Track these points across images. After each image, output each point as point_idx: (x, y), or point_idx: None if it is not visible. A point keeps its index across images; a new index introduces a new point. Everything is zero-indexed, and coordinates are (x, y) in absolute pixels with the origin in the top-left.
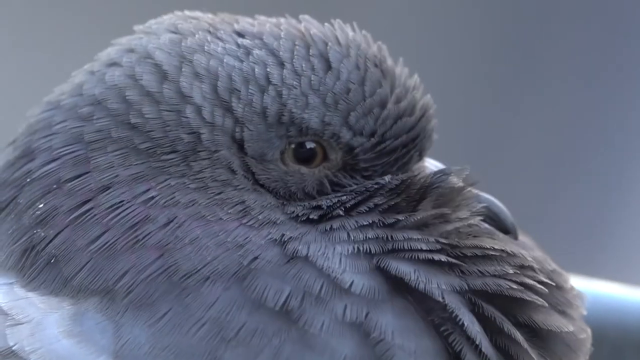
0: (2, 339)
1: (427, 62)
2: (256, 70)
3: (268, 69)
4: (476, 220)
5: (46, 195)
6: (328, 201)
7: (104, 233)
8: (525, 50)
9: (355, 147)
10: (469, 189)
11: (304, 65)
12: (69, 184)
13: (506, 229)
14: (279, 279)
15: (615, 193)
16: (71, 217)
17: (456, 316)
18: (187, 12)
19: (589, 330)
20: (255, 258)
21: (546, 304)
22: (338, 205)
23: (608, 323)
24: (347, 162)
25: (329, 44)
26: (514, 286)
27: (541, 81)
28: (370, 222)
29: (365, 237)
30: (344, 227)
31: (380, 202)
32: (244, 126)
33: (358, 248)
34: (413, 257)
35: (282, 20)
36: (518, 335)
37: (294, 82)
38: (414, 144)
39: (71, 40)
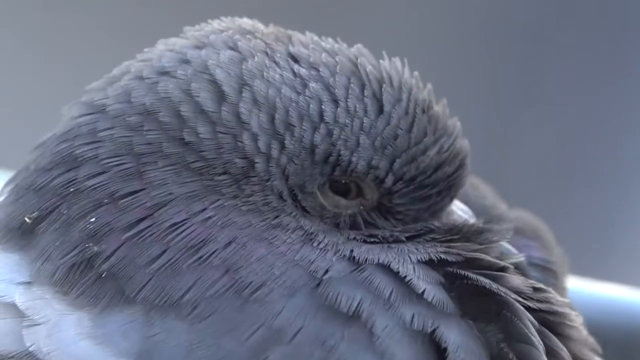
0: (18, 340)
1: (431, 71)
2: (311, 106)
3: (323, 107)
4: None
5: (98, 209)
6: (382, 233)
7: (164, 252)
8: (531, 59)
9: (394, 192)
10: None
11: (357, 106)
12: (123, 200)
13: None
14: (350, 286)
15: (623, 196)
16: (128, 235)
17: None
18: (237, 20)
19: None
20: (327, 271)
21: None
22: (393, 237)
23: (614, 325)
24: (383, 204)
25: (383, 85)
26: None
27: (549, 85)
28: (431, 246)
29: (436, 251)
30: (408, 248)
31: (437, 237)
32: (292, 160)
33: (431, 258)
34: (482, 272)
35: (335, 47)
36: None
37: (347, 122)
38: (449, 191)
39: (84, 45)
